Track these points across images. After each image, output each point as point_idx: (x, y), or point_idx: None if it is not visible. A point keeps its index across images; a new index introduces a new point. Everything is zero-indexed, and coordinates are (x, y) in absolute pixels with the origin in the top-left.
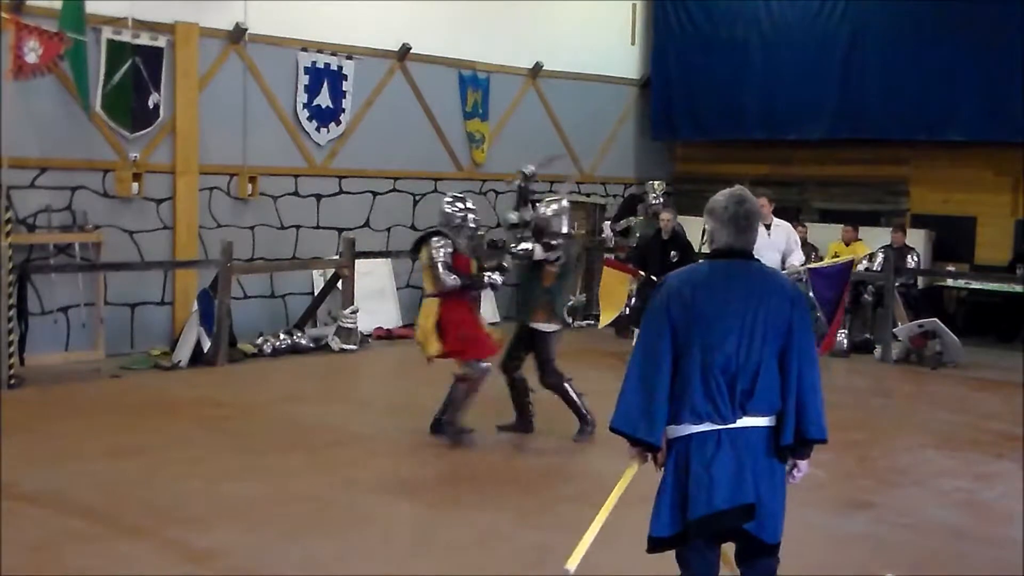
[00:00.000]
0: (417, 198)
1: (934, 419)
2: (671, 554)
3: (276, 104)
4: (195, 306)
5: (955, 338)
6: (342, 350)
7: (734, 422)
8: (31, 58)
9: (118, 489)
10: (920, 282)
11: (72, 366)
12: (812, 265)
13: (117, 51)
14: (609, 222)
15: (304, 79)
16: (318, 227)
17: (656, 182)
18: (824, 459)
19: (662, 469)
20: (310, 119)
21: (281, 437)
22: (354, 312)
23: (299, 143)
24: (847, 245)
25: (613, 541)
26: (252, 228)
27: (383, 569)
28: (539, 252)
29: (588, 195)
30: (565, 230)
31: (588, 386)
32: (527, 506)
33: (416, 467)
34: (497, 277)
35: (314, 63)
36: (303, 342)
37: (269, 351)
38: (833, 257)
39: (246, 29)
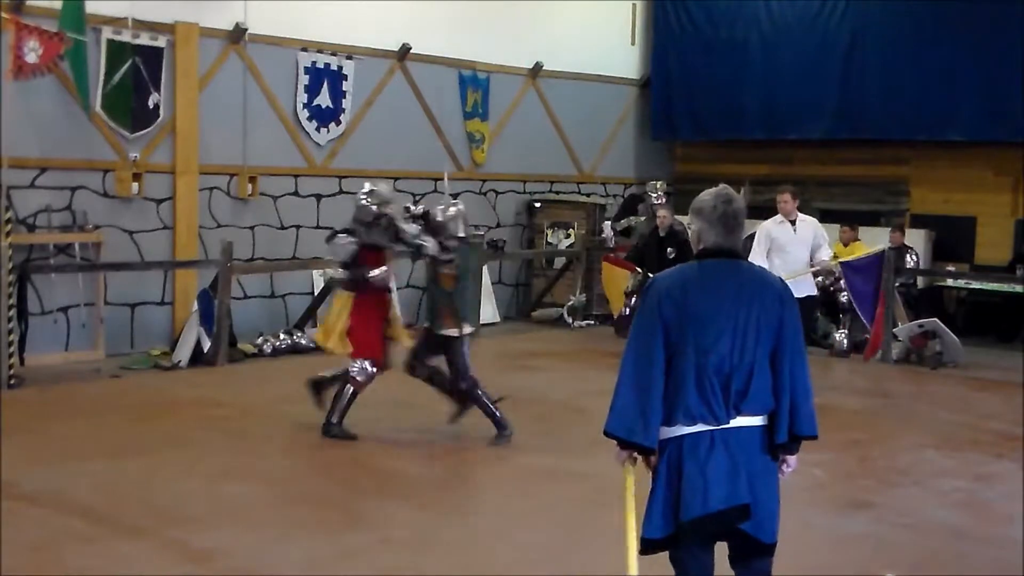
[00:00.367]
0: (417, 198)
1: (934, 419)
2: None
3: (276, 104)
4: (195, 306)
5: (955, 338)
6: None
7: (728, 423)
8: (31, 58)
9: (118, 489)
10: (920, 282)
11: (72, 366)
12: (843, 259)
13: (117, 51)
14: (610, 222)
15: (304, 79)
16: (318, 227)
17: (657, 182)
18: (824, 459)
19: (652, 471)
20: (310, 119)
21: (281, 437)
22: None
23: (299, 143)
24: (846, 245)
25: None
26: (252, 228)
27: (383, 569)
28: (432, 247)
29: (588, 195)
30: (462, 233)
31: (588, 386)
32: (527, 506)
33: (416, 467)
34: (429, 242)
35: (314, 63)
36: (303, 342)
37: (269, 351)
38: (834, 259)
39: (246, 29)
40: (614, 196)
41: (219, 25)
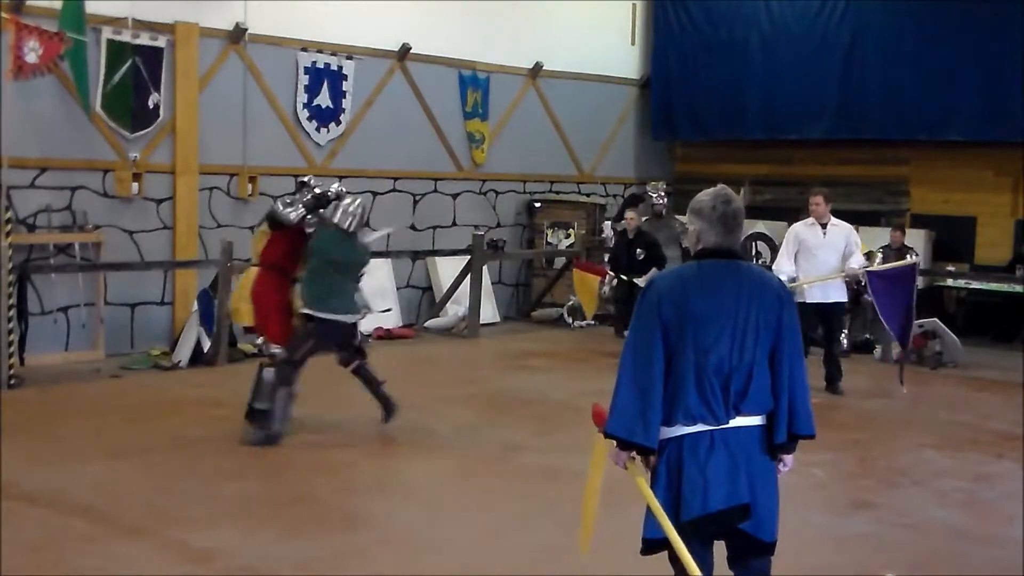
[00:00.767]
0: (417, 198)
1: (934, 419)
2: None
3: (276, 104)
4: (195, 306)
5: (955, 338)
6: None
7: (727, 422)
8: (31, 58)
9: (118, 489)
10: (920, 282)
11: (72, 366)
12: (873, 268)
13: (117, 51)
14: (610, 222)
15: (304, 79)
16: None
17: (658, 182)
18: (824, 459)
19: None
20: (310, 119)
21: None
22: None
23: (299, 143)
24: None
25: (613, 543)
26: (252, 228)
27: (383, 569)
28: (288, 215)
29: (588, 195)
30: (346, 226)
31: (588, 386)
32: (527, 506)
33: (416, 467)
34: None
35: (314, 63)
36: None
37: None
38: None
39: (246, 29)
40: (614, 196)
41: (219, 25)
